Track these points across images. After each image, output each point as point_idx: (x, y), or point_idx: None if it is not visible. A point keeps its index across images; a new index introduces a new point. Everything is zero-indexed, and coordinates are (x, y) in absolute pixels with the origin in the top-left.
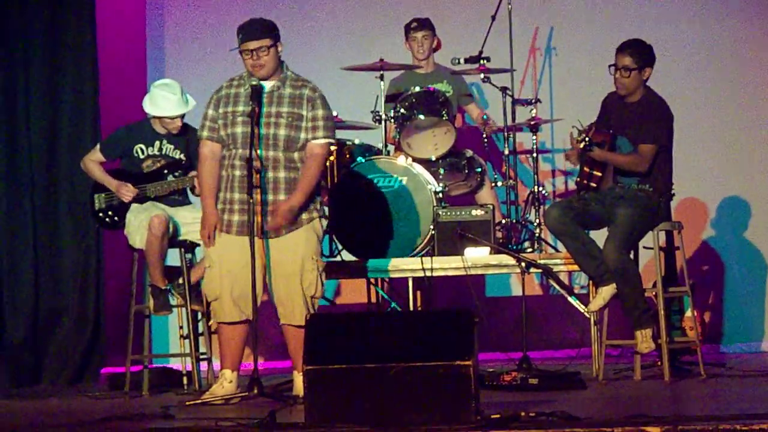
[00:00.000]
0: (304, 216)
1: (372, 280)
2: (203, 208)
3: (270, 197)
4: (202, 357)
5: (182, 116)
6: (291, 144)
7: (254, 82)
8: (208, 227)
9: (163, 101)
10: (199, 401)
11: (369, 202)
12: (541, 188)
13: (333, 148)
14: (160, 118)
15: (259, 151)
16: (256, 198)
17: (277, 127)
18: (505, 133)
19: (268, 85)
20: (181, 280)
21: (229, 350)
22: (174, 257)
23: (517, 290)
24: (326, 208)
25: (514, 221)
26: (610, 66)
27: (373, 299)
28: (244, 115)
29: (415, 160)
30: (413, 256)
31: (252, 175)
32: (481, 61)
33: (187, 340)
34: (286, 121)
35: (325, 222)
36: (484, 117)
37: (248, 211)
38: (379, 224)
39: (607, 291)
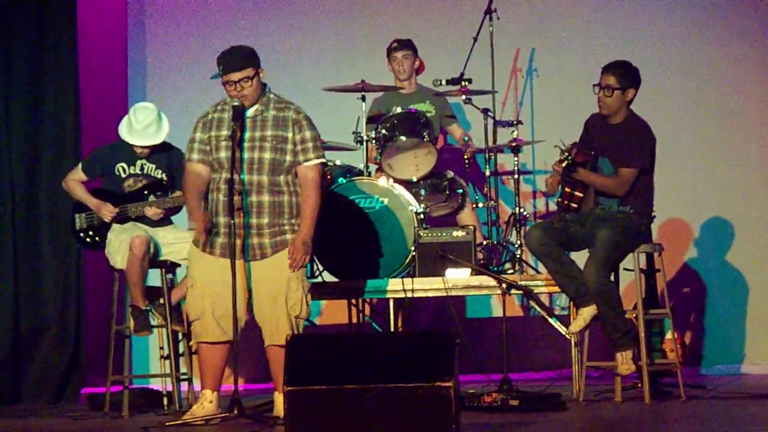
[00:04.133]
0: (289, 236)
1: (353, 301)
2: (193, 216)
3: (254, 221)
4: (182, 377)
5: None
6: (276, 167)
7: (236, 103)
8: (201, 229)
9: (137, 132)
10: (180, 422)
11: (350, 223)
12: (522, 209)
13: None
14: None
15: (242, 175)
16: (239, 221)
17: (261, 151)
18: (487, 155)
19: (251, 109)
20: (161, 301)
21: (210, 370)
22: (155, 277)
23: (498, 311)
24: None
25: (495, 242)
26: (594, 85)
27: (354, 320)
28: (228, 139)
29: (396, 181)
30: (394, 277)
31: (233, 196)
32: (463, 83)
33: (167, 361)
34: (270, 144)
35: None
36: (466, 138)
37: (230, 233)
38: (361, 245)
39: (587, 312)
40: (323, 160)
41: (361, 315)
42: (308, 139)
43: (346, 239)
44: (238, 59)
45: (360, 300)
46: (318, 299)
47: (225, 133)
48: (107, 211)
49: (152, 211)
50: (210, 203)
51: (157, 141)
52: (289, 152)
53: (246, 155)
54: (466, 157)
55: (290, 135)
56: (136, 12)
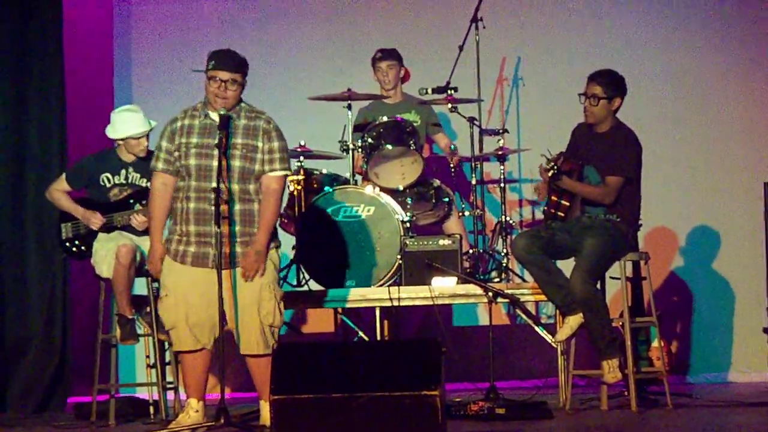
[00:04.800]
0: None
1: (339, 310)
2: (151, 242)
3: (225, 229)
4: (168, 386)
5: (147, 137)
6: (245, 176)
7: (222, 112)
8: (155, 262)
9: (128, 122)
10: (166, 431)
11: (336, 232)
12: (508, 218)
13: (295, 177)
14: (125, 140)
15: (214, 183)
16: (213, 229)
17: (231, 159)
18: (473, 163)
19: None
20: (148, 309)
21: (193, 379)
22: (141, 286)
23: (484, 320)
24: (286, 237)
25: (481, 251)
26: (580, 94)
27: (341, 329)
28: (198, 147)
29: (382, 189)
30: (380, 285)
31: (219, 205)
32: (449, 92)
33: (153, 370)
34: (240, 152)
35: (279, 252)
36: (452, 147)
37: (218, 243)
38: (347, 254)
39: (574, 321)
40: (288, 173)
41: (347, 324)
42: (276, 149)
43: (333, 248)
44: (233, 61)
45: (346, 309)
46: (304, 308)
47: (195, 140)
48: (96, 220)
49: (138, 220)
50: (178, 212)
51: (152, 125)
52: (258, 161)
53: (214, 163)
54: (451, 165)
55: (260, 144)
56: (122, 20)
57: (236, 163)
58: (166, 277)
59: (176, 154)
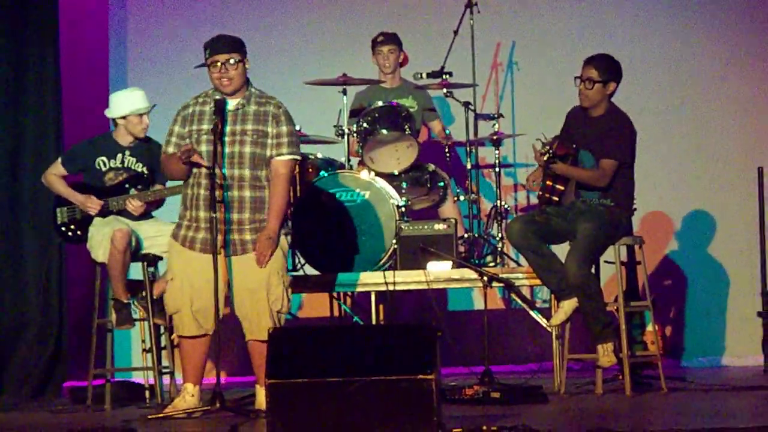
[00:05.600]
0: None
1: (335, 294)
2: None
3: (235, 216)
4: (164, 371)
5: (148, 114)
6: (257, 162)
7: (217, 97)
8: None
9: (130, 98)
10: (162, 415)
11: (332, 217)
12: (503, 203)
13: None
14: (126, 119)
15: (223, 170)
16: (220, 216)
17: (242, 145)
18: (468, 148)
19: (232, 102)
20: (143, 294)
21: (191, 364)
22: (136, 271)
23: (479, 304)
24: (290, 222)
25: (476, 235)
26: (575, 77)
27: (336, 313)
28: (209, 133)
29: (378, 174)
30: (376, 270)
31: (215, 190)
32: (444, 76)
33: (149, 354)
34: (251, 138)
35: (289, 238)
36: (448, 131)
37: (212, 227)
38: (342, 238)
39: (568, 305)
40: (296, 157)
41: (342, 308)
42: (284, 134)
43: (328, 232)
44: (226, 42)
45: (341, 293)
46: (299, 292)
47: (206, 126)
48: (93, 204)
49: (133, 204)
50: (189, 198)
51: (153, 105)
52: (269, 147)
53: (227, 149)
54: (446, 151)
55: (270, 129)
56: (118, 5)
57: (247, 149)
58: (173, 262)
59: (188, 140)
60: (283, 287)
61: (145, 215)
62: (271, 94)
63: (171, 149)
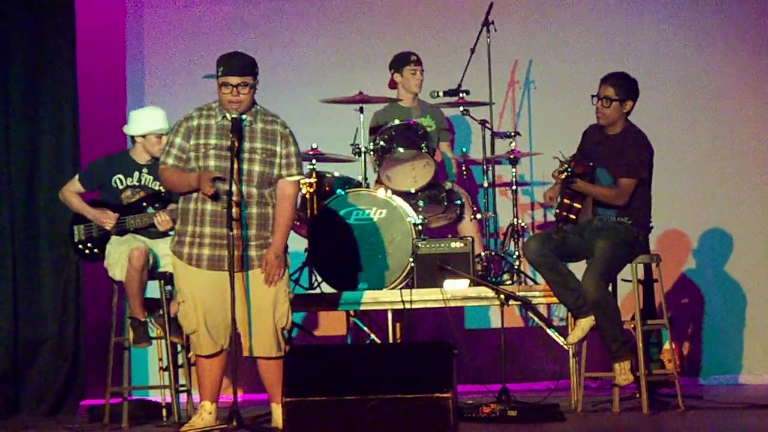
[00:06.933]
0: None
1: (351, 313)
2: (194, 181)
3: (242, 232)
4: (181, 389)
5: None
6: (264, 180)
7: (234, 115)
8: (205, 179)
9: (150, 118)
10: None
11: (348, 235)
12: (520, 220)
13: (307, 180)
14: (145, 138)
15: (232, 186)
16: (236, 232)
17: (251, 163)
18: (484, 166)
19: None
20: (160, 312)
21: (208, 382)
22: (153, 289)
23: (496, 322)
24: (299, 239)
25: (493, 253)
26: (592, 96)
27: (353, 331)
28: (217, 148)
29: (394, 192)
30: (393, 288)
31: (231, 208)
32: (461, 94)
33: (166, 372)
34: (260, 157)
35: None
36: (464, 150)
37: (229, 245)
38: (359, 256)
39: (585, 323)
40: (303, 177)
41: (359, 327)
42: (293, 154)
43: (345, 250)
44: (241, 64)
45: (358, 311)
46: (316, 310)
47: (213, 141)
48: (107, 219)
49: (161, 218)
50: (192, 213)
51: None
52: (276, 166)
53: (236, 166)
54: (463, 168)
55: (278, 149)
56: (134, 22)
57: (256, 168)
58: (181, 283)
59: (192, 154)
60: (288, 304)
61: (163, 234)
62: (276, 112)
63: (171, 161)
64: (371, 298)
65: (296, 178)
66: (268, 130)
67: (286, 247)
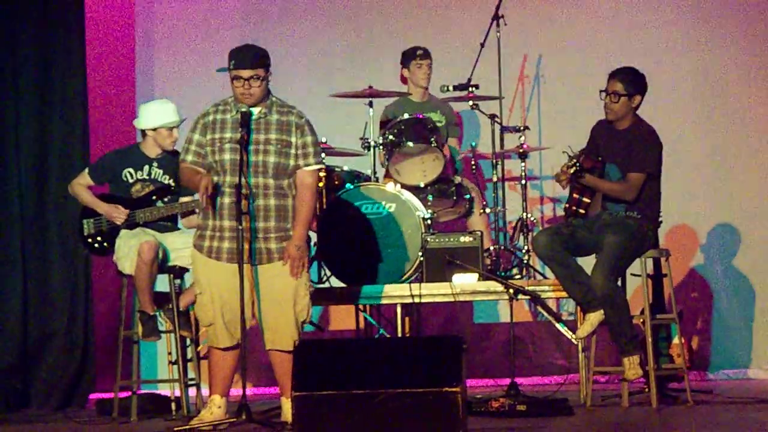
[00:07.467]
0: None
1: (361, 307)
2: (198, 183)
3: (261, 224)
4: (190, 383)
5: (178, 130)
6: (280, 171)
7: (244, 109)
8: (205, 183)
9: (161, 112)
10: (188, 427)
11: (358, 229)
12: (529, 215)
13: (322, 174)
14: (156, 131)
15: (249, 179)
16: (245, 225)
17: (266, 155)
18: (494, 160)
19: (255, 111)
20: (170, 306)
21: (220, 375)
22: (163, 283)
23: (505, 317)
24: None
25: (502, 248)
26: (601, 91)
27: (362, 326)
28: (232, 141)
29: (403, 186)
30: (402, 282)
31: (240, 201)
32: (470, 89)
33: (175, 366)
34: (275, 148)
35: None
36: (473, 144)
37: (238, 237)
38: (368, 251)
39: (594, 317)
40: (321, 166)
41: (368, 321)
42: (309, 143)
43: (354, 245)
44: (252, 57)
45: (367, 305)
46: (326, 305)
47: (229, 135)
48: (118, 214)
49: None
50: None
51: (183, 118)
52: (293, 156)
53: (251, 158)
54: (472, 162)
55: (294, 139)
56: (144, 16)
57: (271, 159)
58: (199, 275)
59: (208, 149)
60: (308, 298)
61: (172, 228)
62: (291, 104)
63: (190, 157)
64: (380, 293)
65: (314, 167)
66: (283, 121)
67: (309, 238)
